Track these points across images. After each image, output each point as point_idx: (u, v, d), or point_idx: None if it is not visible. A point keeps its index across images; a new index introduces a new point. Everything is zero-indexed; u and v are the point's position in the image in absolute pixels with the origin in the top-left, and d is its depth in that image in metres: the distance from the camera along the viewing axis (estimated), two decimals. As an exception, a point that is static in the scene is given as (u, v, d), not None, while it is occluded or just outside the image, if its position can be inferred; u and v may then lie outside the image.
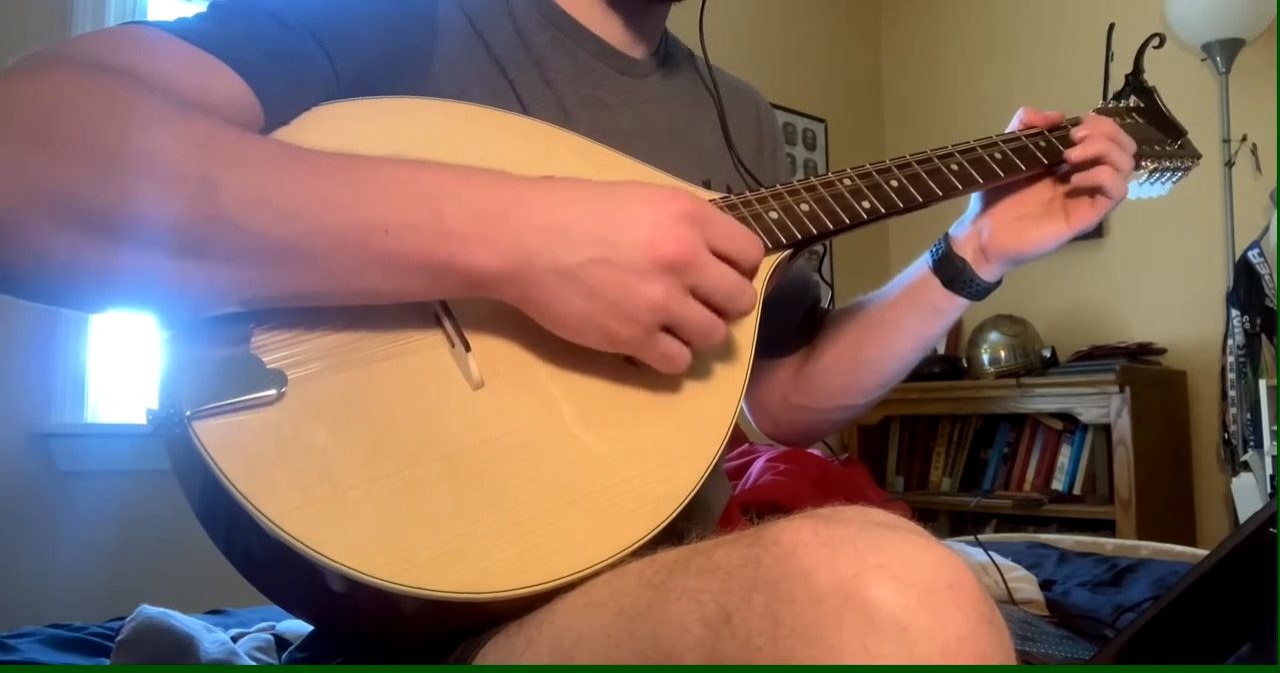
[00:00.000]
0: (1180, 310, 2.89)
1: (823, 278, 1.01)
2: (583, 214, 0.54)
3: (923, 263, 0.88)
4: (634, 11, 0.82)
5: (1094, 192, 0.82)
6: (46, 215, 0.47)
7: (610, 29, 0.82)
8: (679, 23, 0.90)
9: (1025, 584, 1.37)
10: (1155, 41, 0.96)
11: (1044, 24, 3.22)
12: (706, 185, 0.82)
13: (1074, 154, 0.83)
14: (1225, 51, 2.69)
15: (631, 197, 0.56)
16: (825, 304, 1.00)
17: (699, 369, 0.65)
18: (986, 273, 0.85)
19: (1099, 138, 0.82)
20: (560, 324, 0.56)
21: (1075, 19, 3.08)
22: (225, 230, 0.49)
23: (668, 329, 0.57)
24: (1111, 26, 0.95)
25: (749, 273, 0.59)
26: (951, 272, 0.86)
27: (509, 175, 0.56)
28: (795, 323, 0.96)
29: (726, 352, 0.67)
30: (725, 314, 0.58)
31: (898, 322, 0.88)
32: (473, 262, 0.53)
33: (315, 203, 0.51)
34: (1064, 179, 0.85)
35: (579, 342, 0.57)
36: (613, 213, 0.55)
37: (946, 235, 0.88)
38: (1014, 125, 0.87)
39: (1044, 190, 0.85)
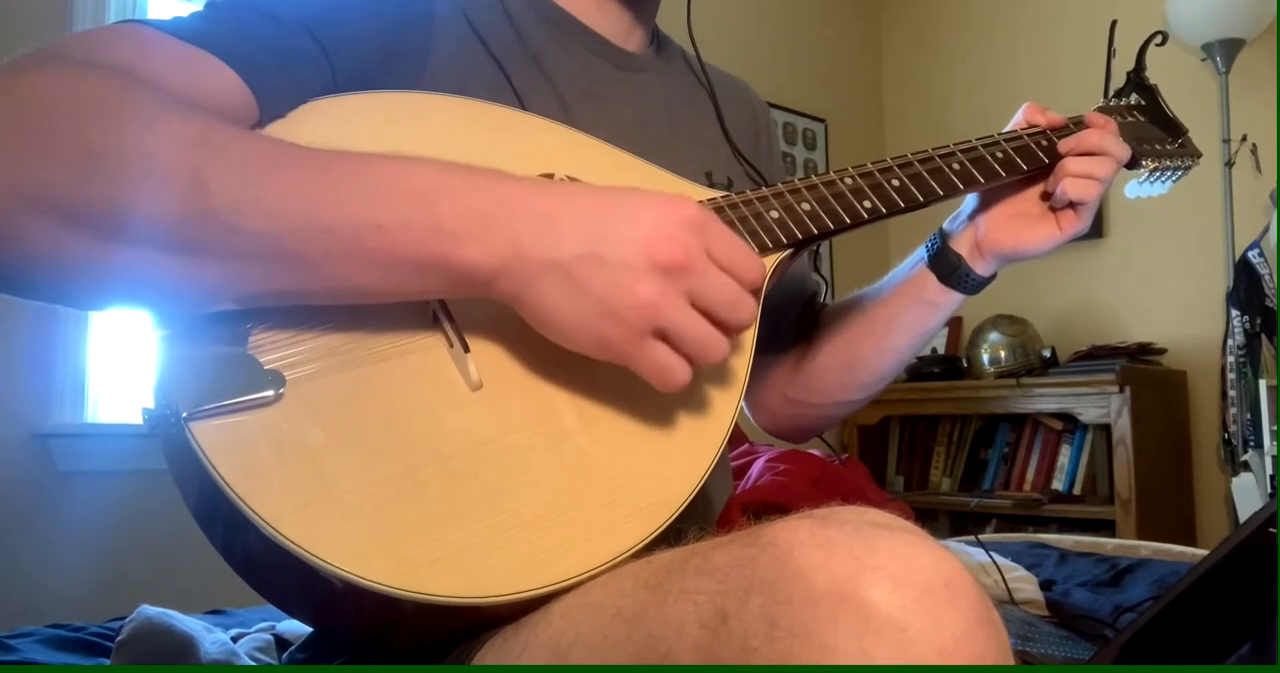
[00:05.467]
0: (1180, 310, 2.89)
1: (820, 275, 1.01)
2: (579, 210, 0.53)
3: (918, 258, 0.88)
4: (627, 5, 0.82)
5: (1073, 204, 0.82)
6: (40, 214, 0.47)
7: (604, 23, 0.82)
8: (675, 22, 0.90)
9: (1025, 584, 1.37)
10: (1158, 39, 0.95)
11: (1045, 24, 3.22)
12: (708, 177, 0.82)
13: (1051, 183, 0.82)
14: (1225, 51, 2.69)
15: (633, 197, 0.54)
16: (821, 300, 1.00)
17: (698, 369, 0.65)
18: (981, 268, 0.85)
19: (1079, 159, 0.81)
20: (550, 323, 0.54)
21: (1076, 19, 3.07)
22: (216, 228, 0.49)
23: (663, 339, 0.54)
24: (1114, 23, 0.94)
25: (749, 289, 0.56)
26: (947, 267, 0.86)
27: (506, 174, 0.54)
28: (792, 319, 0.96)
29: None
30: (725, 327, 0.55)
31: (893, 318, 0.88)
32: (465, 257, 0.51)
33: (307, 200, 0.50)
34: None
35: (570, 345, 0.55)
36: (611, 212, 0.53)
37: (941, 230, 0.88)
38: (1017, 120, 0.87)
39: (1041, 189, 0.85)
